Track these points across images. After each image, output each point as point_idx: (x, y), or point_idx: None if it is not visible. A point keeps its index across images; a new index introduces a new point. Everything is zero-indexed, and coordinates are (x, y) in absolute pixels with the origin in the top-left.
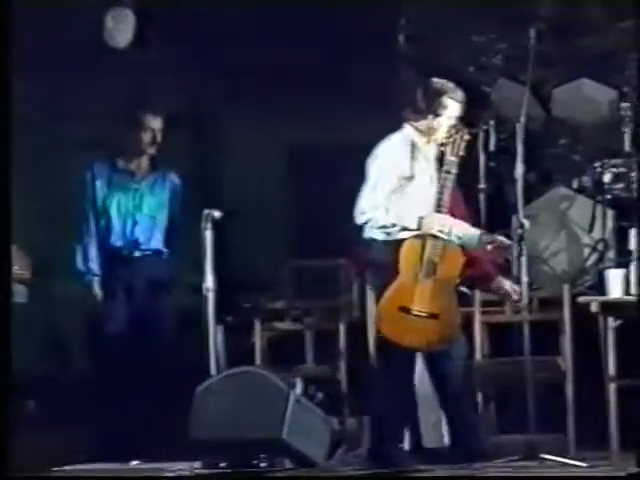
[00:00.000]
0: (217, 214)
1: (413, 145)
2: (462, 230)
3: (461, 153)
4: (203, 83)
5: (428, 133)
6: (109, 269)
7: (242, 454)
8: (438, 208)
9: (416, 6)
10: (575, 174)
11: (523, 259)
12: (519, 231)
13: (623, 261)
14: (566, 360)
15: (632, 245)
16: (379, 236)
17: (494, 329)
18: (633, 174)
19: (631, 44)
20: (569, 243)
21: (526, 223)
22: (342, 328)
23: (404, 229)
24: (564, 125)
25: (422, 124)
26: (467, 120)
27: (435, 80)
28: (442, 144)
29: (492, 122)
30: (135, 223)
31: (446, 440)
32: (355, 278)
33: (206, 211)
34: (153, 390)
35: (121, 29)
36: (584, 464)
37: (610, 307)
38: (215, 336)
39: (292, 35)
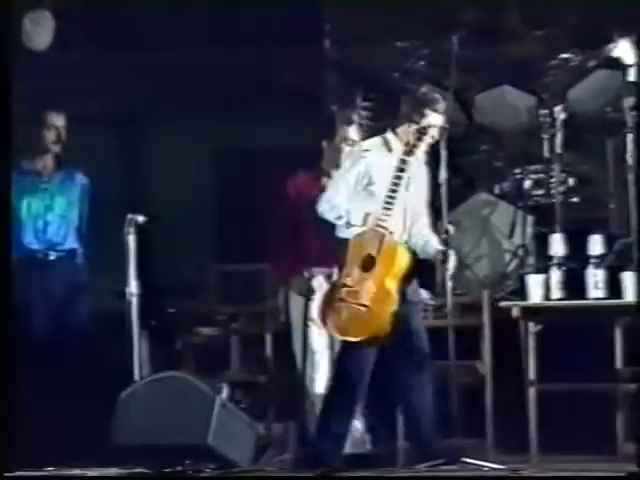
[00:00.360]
0: (141, 219)
1: (389, 149)
2: (419, 233)
3: (417, 155)
4: (127, 85)
5: (407, 140)
6: (25, 272)
7: (167, 460)
8: (386, 205)
9: (341, 11)
10: (497, 180)
11: (449, 265)
12: (444, 236)
13: (543, 266)
14: (485, 365)
15: (552, 250)
16: (341, 232)
17: None
18: (552, 180)
19: (547, 51)
20: (491, 248)
21: (451, 229)
22: (268, 333)
23: (352, 224)
24: (486, 131)
25: (401, 130)
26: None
27: (420, 90)
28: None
29: None
30: (47, 224)
31: (368, 445)
32: (280, 284)
33: (129, 215)
34: (74, 396)
35: (40, 32)
36: (504, 467)
37: (530, 312)
38: (139, 341)
39: (218, 37)
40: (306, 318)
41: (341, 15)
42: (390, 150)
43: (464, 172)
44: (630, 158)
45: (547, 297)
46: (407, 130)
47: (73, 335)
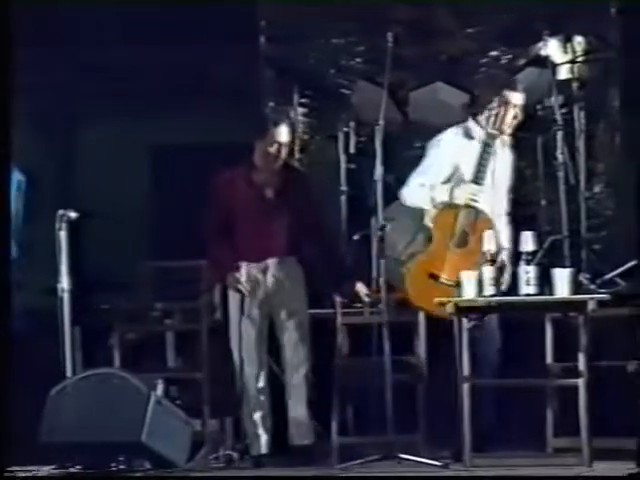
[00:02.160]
0: (73, 214)
1: (470, 137)
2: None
3: (506, 129)
4: (62, 81)
5: (488, 123)
6: None
7: (99, 457)
8: (476, 180)
9: (275, 8)
10: None
11: (382, 261)
12: (379, 233)
13: None
14: (420, 361)
15: (485, 248)
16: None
17: (354, 330)
18: None
19: (479, 49)
20: (426, 245)
21: (386, 225)
22: (204, 329)
23: (437, 200)
24: (420, 128)
25: (483, 117)
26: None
27: (497, 74)
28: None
29: (352, 124)
30: None
31: (312, 437)
32: (217, 280)
33: (61, 211)
34: (5, 394)
35: None
36: (438, 463)
37: (464, 308)
38: (72, 338)
39: (154, 34)
40: (242, 313)
41: (276, 12)
42: (471, 138)
43: (399, 168)
44: (560, 155)
45: (480, 293)
46: (488, 116)
47: (5, 333)
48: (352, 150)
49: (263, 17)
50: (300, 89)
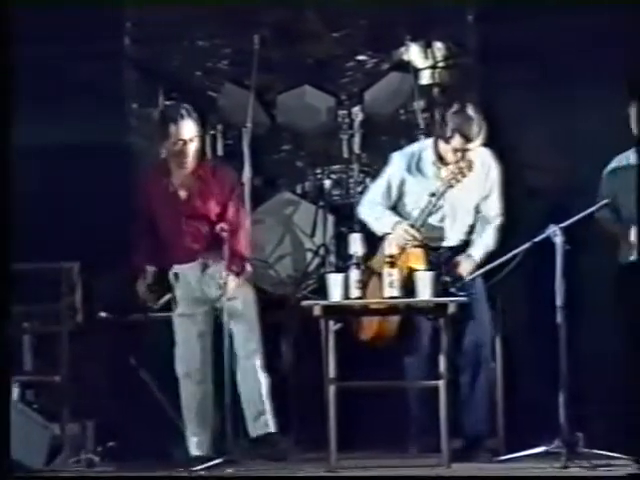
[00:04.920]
0: None
1: (421, 160)
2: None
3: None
4: None
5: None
6: None
7: None
8: (416, 221)
9: (140, 9)
10: (299, 179)
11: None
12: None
13: (343, 266)
14: (287, 363)
15: (351, 250)
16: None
17: None
18: (351, 180)
19: (344, 53)
20: (293, 248)
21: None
22: (64, 332)
23: (383, 231)
24: (288, 131)
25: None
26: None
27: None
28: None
29: (219, 127)
30: None
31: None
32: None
33: None
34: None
35: None
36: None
37: (331, 311)
38: None
39: (20, 34)
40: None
41: (142, 13)
42: (422, 163)
43: (267, 171)
44: None
45: (346, 296)
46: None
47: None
48: (220, 153)
49: (129, 19)
50: (166, 91)
